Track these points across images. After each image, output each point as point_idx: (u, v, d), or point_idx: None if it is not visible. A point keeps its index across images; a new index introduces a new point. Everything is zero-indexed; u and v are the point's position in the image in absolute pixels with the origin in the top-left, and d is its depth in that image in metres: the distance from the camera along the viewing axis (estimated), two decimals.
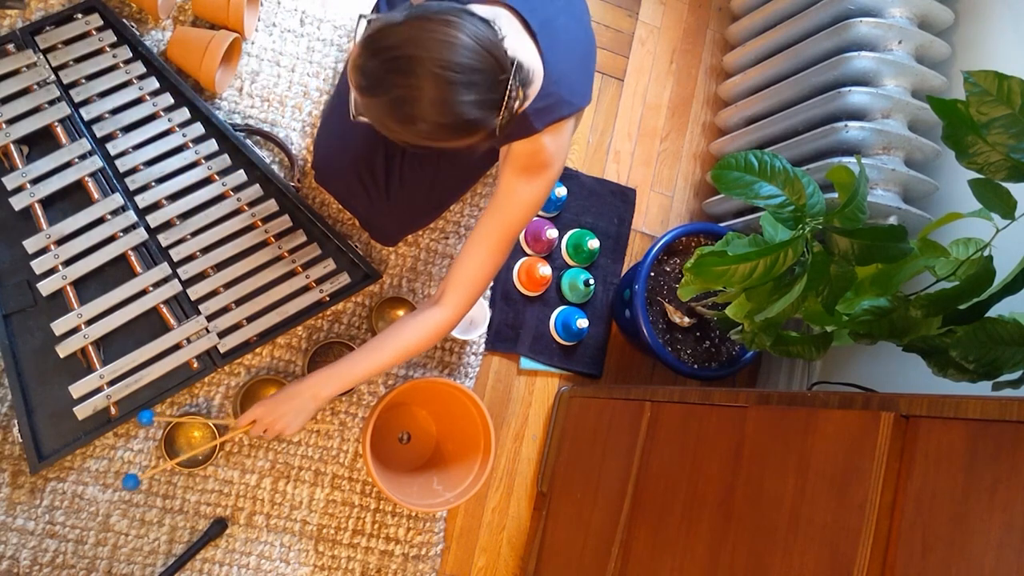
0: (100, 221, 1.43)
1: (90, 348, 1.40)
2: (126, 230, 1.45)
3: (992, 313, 1.02)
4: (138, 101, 1.49)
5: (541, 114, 1.16)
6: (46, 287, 1.39)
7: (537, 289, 1.74)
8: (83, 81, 1.46)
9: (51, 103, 1.43)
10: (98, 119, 1.46)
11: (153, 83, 1.50)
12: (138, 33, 1.52)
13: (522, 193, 1.23)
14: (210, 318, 1.47)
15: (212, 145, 1.51)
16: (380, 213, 1.54)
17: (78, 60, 1.47)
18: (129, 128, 1.48)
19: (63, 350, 1.38)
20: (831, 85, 1.55)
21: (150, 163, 1.48)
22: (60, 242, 1.41)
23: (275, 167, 1.59)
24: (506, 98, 1.00)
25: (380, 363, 1.30)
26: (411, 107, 0.97)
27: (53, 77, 1.45)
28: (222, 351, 1.48)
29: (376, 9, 1.48)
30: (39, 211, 1.41)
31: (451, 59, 0.96)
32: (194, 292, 1.47)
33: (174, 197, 1.48)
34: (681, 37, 1.98)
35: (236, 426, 1.36)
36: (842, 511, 0.88)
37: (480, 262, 1.27)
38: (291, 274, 1.53)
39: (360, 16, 1.02)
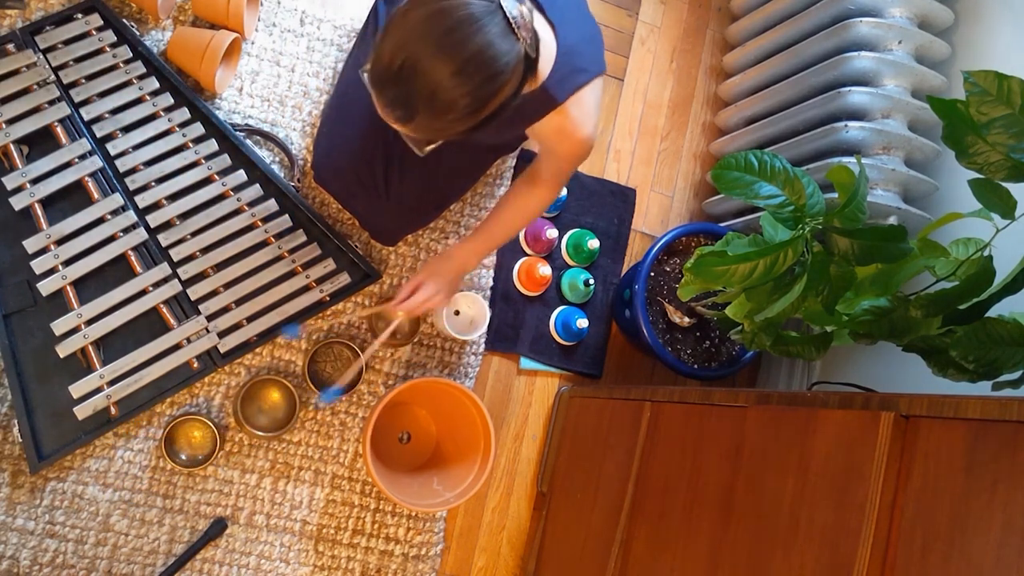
0: (100, 221, 1.43)
1: (90, 348, 1.40)
2: (126, 230, 1.45)
3: (992, 313, 1.02)
4: (138, 101, 1.49)
5: (560, 85, 1.16)
6: (46, 287, 1.39)
7: (537, 289, 1.74)
8: (83, 81, 1.46)
9: (51, 103, 1.43)
10: (98, 119, 1.46)
11: (153, 83, 1.50)
12: (138, 33, 1.52)
13: (568, 154, 1.29)
14: (210, 318, 1.47)
15: (212, 145, 1.51)
16: (380, 213, 1.54)
17: (78, 60, 1.47)
18: (129, 128, 1.48)
19: (63, 350, 1.39)
20: (831, 85, 1.55)
21: (150, 163, 1.48)
22: (60, 242, 1.41)
23: (275, 167, 1.59)
24: (509, 17, 0.96)
25: (508, 234, 1.44)
26: (441, 93, 0.95)
27: (53, 77, 1.45)
28: (222, 351, 1.48)
29: (375, 10, 1.48)
30: (39, 211, 1.41)
31: (438, 29, 0.93)
32: (194, 292, 1.47)
33: (174, 197, 1.48)
34: (681, 37, 1.98)
35: (398, 305, 1.38)
36: (842, 511, 0.88)
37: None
38: (291, 274, 1.53)
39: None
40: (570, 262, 1.79)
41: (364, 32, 1.50)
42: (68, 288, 1.41)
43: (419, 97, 0.95)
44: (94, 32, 1.48)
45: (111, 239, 1.44)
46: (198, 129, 1.51)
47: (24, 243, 1.39)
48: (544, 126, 1.22)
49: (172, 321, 1.45)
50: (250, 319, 1.49)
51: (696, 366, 1.68)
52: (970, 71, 0.92)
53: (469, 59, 0.94)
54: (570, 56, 1.16)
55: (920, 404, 0.85)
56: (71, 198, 1.44)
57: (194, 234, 1.48)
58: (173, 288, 1.45)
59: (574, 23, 1.21)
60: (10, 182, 1.40)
